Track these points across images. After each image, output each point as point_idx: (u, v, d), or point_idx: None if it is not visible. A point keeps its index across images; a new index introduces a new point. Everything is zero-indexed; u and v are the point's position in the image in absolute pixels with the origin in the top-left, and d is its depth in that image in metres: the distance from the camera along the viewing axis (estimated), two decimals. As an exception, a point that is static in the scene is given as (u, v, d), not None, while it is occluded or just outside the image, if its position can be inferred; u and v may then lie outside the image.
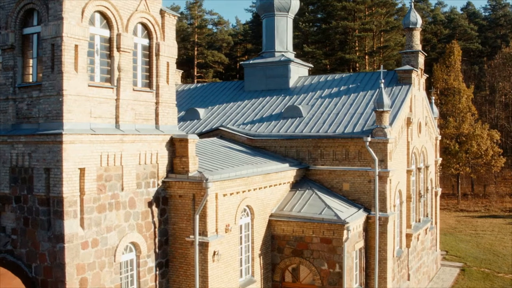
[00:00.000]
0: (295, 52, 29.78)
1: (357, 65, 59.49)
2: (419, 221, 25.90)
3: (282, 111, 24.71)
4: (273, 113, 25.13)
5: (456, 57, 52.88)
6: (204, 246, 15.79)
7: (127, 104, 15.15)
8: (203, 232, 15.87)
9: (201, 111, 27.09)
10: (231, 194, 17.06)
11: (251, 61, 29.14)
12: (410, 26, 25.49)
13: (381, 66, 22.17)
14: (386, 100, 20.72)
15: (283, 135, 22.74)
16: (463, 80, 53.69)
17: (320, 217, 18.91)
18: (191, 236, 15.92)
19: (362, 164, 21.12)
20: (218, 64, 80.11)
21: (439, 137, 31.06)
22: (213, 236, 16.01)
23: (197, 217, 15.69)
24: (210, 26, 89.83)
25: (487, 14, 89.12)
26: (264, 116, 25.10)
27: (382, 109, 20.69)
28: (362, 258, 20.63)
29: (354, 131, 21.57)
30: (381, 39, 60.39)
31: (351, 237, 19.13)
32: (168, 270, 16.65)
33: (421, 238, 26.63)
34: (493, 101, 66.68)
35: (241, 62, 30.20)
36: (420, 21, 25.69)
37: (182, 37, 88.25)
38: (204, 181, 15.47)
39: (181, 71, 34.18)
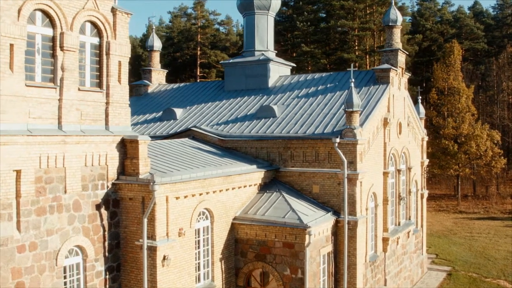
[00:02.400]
0: (276, 51, 29.22)
1: (357, 64, 58.61)
2: (399, 224, 25.16)
3: (257, 111, 24.19)
4: (248, 113, 24.63)
5: (456, 56, 51.83)
6: (152, 250, 15.33)
7: (71, 105, 14.74)
8: (152, 236, 15.42)
9: (179, 111, 26.68)
10: (185, 196, 16.58)
11: (231, 60, 28.70)
12: (390, 24, 24.84)
13: (351, 65, 21.52)
14: (356, 99, 20.08)
15: (254, 135, 22.22)
16: (463, 80, 52.63)
17: (283, 221, 18.36)
18: (141, 240, 15.48)
19: (332, 166, 20.51)
20: (221, 64, 79.60)
21: (426, 138, 30.26)
22: (163, 240, 15.55)
23: (145, 220, 15.26)
24: (217, 26, 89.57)
25: (495, 13, 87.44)
26: (239, 117, 24.61)
27: (351, 109, 20.06)
28: (331, 263, 20.01)
29: (325, 131, 20.98)
30: (381, 38, 59.41)
31: (316, 241, 18.55)
32: (120, 275, 16.23)
33: (402, 241, 25.88)
34: (497, 101, 65.27)
35: (221, 62, 29.61)
36: (400, 19, 25.02)
37: (186, 37, 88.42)
38: (151, 183, 15.02)
39: (166, 71, 33.85)
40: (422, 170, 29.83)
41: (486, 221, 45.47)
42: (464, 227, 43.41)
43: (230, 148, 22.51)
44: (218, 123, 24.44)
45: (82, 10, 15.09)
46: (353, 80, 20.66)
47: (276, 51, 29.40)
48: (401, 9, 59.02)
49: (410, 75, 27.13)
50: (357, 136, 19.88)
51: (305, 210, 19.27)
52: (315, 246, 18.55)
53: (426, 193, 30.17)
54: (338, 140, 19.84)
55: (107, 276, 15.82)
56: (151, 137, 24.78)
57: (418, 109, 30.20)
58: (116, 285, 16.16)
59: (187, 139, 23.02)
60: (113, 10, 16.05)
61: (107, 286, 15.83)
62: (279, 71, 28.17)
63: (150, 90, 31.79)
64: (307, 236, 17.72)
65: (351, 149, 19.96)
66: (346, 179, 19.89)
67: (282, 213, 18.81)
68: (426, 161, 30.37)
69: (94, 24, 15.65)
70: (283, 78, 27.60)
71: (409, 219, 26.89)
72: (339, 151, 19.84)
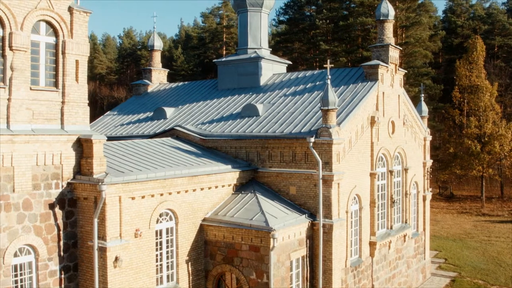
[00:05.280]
0: (270, 49, 28.63)
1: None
2: (391, 227, 24.10)
3: (241, 110, 23.73)
4: (234, 112, 24.20)
5: (479, 53, 49.64)
6: (103, 251, 15.15)
7: (21, 104, 14.73)
8: (103, 237, 15.24)
9: (169, 111, 26.54)
10: (142, 197, 16.32)
11: (223, 59, 28.34)
12: (381, 18, 23.83)
13: (328, 60, 20.68)
14: (332, 97, 19.30)
15: (233, 135, 21.77)
16: (486, 77, 50.37)
17: (249, 223, 17.83)
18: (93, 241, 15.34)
19: (308, 167, 19.81)
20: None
21: (429, 137, 28.92)
22: (114, 241, 15.34)
23: (96, 220, 15.10)
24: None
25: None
26: (224, 116, 24.22)
27: (327, 107, 19.30)
28: (305, 267, 19.31)
29: (302, 131, 20.28)
30: (403, 35, 57.63)
31: (284, 245, 17.94)
32: (77, 274, 16.14)
33: (397, 246, 24.80)
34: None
35: (214, 60, 29.31)
36: (392, 13, 23.97)
37: (213, 37, 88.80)
38: (99, 183, 14.83)
39: (167, 70, 33.79)
40: (424, 171, 28.54)
41: (508, 224, 43.26)
42: (483, 230, 41.47)
43: (211, 148, 22.15)
44: (203, 122, 24.13)
45: (35, 9, 15.05)
46: (329, 77, 19.86)
47: (270, 49, 28.81)
48: (423, 5, 56.92)
49: (405, 71, 25.95)
50: (333, 135, 19.09)
51: (276, 213, 18.67)
52: (283, 249, 17.93)
53: (429, 195, 28.85)
54: (312, 139, 19.13)
55: (63, 276, 15.76)
56: (139, 136, 24.84)
57: (420, 107, 28.96)
58: (73, 285, 16.07)
59: (169, 138, 22.81)
60: (70, 9, 15.95)
61: (63, 285, 15.77)
62: (273, 69, 27.60)
63: (150, 89, 31.83)
64: (271, 240, 17.11)
65: (327, 149, 19.20)
66: (321, 180, 19.15)
67: (251, 215, 18.27)
68: (430, 162, 29.02)
69: (49, 24, 15.62)
70: (276, 76, 27.02)
71: (405, 222, 25.72)
72: (313, 151, 19.12)
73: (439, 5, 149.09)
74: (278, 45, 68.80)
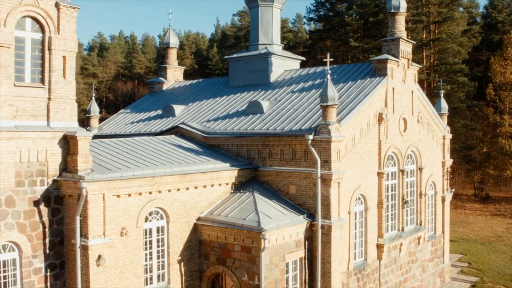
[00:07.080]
0: (282, 45, 27.88)
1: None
2: (403, 229, 22.96)
3: (246, 107, 23.18)
4: (240, 110, 23.68)
5: (514, 48, 47.26)
6: (85, 249, 14.94)
7: (4, 100, 14.66)
8: (85, 235, 15.03)
9: (178, 108, 26.29)
10: (129, 195, 16.02)
11: (234, 55, 27.85)
12: (393, 11, 22.73)
13: (328, 54, 19.79)
14: (331, 93, 18.45)
15: (235, 132, 21.24)
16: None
17: (241, 223, 17.25)
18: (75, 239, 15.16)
19: (308, 165, 19.04)
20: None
21: (449, 136, 27.49)
22: (98, 239, 15.09)
23: (78, 218, 14.90)
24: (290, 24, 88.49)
25: None
26: (230, 113, 23.74)
27: (326, 103, 18.49)
28: (304, 270, 18.56)
29: (302, 128, 19.53)
30: (436, 31, 55.50)
31: (278, 246, 17.27)
32: (64, 272, 16.01)
33: (409, 248, 23.64)
34: None
35: (225, 57, 28.88)
36: (404, 5, 22.82)
37: (245, 36, 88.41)
38: (80, 181, 14.61)
39: (183, 68, 33.60)
40: (443, 171, 27.16)
41: (544, 228, 40.96)
42: (515, 234, 39.39)
43: (213, 146, 21.69)
44: (209, 120, 23.73)
45: (19, 5, 14.97)
46: (328, 71, 19.02)
47: (282, 45, 28.06)
48: (452, 0, 54.51)
49: (420, 66, 24.70)
50: (332, 132, 18.25)
51: (272, 213, 18.01)
52: (277, 251, 17.27)
53: (449, 196, 27.44)
54: (311, 137, 18.37)
55: (48, 273, 15.64)
56: (146, 134, 24.67)
57: (439, 105, 27.59)
58: (59, 283, 15.93)
59: (172, 136, 22.51)
60: (57, 5, 15.80)
61: (48, 283, 15.65)
62: (285, 65, 26.89)
63: (165, 87, 31.71)
64: (262, 241, 16.48)
65: (325, 146, 18.38)
66: (319, 180, 18.36)
67: (245, 215, 17.68)
68: (449, 161, 27.59)
69: (35, 19, 15.51)
70: (287, 73, 26.31)
71: (420, 224, 24.48)
72: (312, 149, 18.36)
73: (481, 1, 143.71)
74: (315, 43, 67.64)
